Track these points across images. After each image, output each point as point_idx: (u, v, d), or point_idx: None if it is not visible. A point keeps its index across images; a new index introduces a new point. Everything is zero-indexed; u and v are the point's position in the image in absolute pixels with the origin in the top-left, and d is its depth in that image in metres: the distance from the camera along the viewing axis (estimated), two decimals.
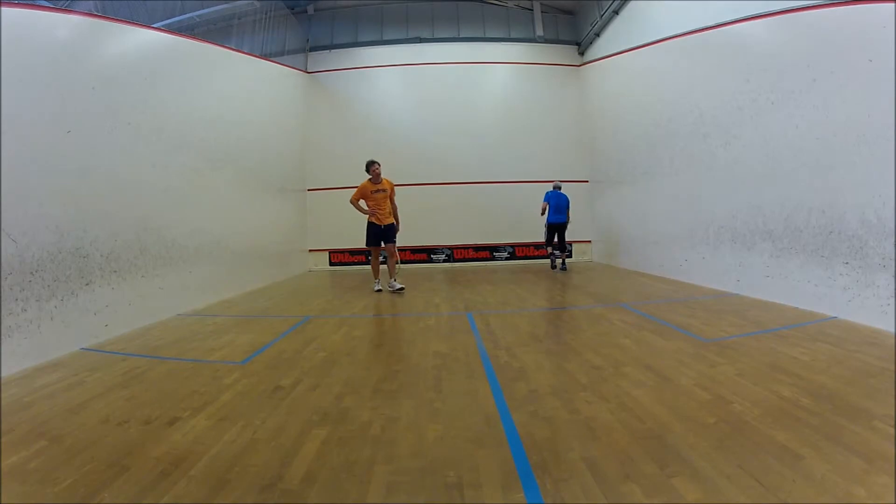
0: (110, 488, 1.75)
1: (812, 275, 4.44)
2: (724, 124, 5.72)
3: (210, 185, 6.48)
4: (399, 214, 6.91)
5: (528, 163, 10.65)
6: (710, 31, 5.94)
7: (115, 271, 4.46)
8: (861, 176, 3.88)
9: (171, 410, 2.50)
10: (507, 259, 10.82)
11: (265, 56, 8.88)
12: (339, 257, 10.87)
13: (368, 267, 11.66)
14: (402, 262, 11.10)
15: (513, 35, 11.16)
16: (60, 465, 1.93)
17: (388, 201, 6.71)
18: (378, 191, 6.59)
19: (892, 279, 3.59)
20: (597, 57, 10.09)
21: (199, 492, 1.73)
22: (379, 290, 6.70)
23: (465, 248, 10.85)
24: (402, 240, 11.45)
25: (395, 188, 6.82)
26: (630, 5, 8.52)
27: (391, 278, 6.72)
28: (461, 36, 11.10)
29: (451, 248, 10.83)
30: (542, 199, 8.68)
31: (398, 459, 1.95)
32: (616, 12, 8.99)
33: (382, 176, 6.66)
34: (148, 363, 3.44)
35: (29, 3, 4.17)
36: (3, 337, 3.25)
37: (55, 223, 3.82)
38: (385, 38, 11.07)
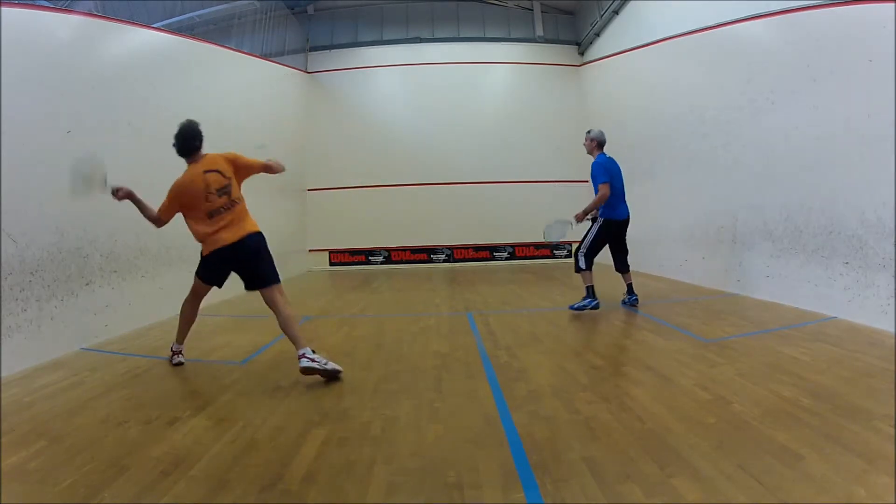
0: (110, 488, 1.74)
1: (812, 275, 4.44)
2: (724, 124, 5.72)
3: None
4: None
5: (527, 163, 10.65)
6: (710, 31, 5.93)
7: (115, 271, 4.46)
8: (861, 176, 3.88)
9: (171, 410, 2.50)
10: (507, 259, 10.82)
11: (265, 56, 8.88)
12: (339, 257, 10.87)
13: (369, 267, 11.70)
14: (402, 263, 11.03)
15: (513, 35, 11.17)
16: (60, 465, 1.93)
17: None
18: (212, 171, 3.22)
19: (892, 279, 3.59)
20: (597, 57, 10.09)
21: (199, 492, 1.73)
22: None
23: (465, 248, 10.85)
24: (402, 239, 11.71)
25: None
26: (630, 5, 8.52)
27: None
28: (461, 36, 11.10)
29: (451, 248, 10.83)
30: (600, 177, 4.79)
31: (398, 459, 1.95)
32: (616, 12, 8.99)
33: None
34: (148, 363, 3.44)
35: (29, 3, 4.17)
36: (3, 337, 3.24)
37: (55, 223, 3.82)
38: (385, 38, 11.08)
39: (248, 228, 3.22)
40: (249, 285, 3.31)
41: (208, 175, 3.14)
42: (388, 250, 10.85)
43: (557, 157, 10.60)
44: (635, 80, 8.28)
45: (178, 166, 5.62)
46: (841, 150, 4.06)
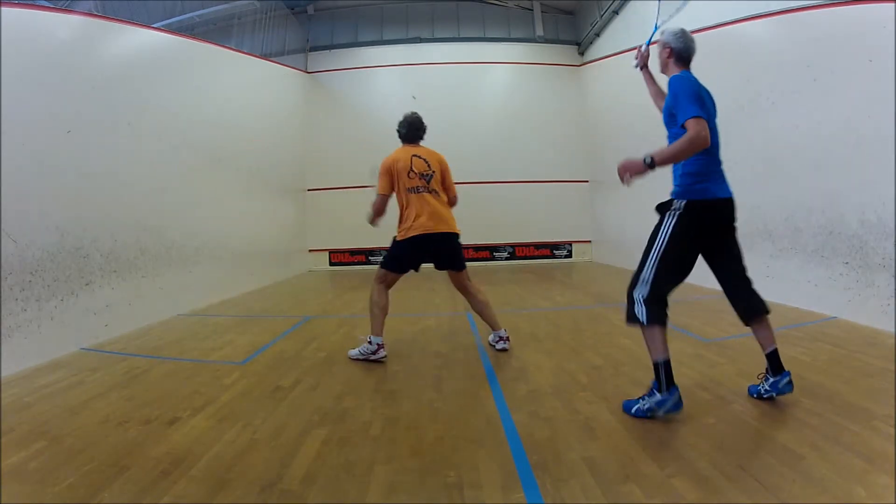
0: (110, 488, 1.74)
1: (812, 275, 4.44)
2: (724, 124, 5.69)
3: (210, 185, 6.48)
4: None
5: (528, 163, 10.64)
6: (710, 31, 5.93)
7: (115, 271, 4.46)
8: (861, 176, 3.88)
9: (171, 410, 2.50)
10: (507, 259, 10.82)
11: (265, 56, 8.88)
12: (339, 257, 10.88)
13: (369, 267, 11.58)
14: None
15: (513, 35, 11.17)
16: (60, 465, 1.93)
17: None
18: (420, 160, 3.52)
19: (892, 279, 3.59)
20: (597, 57, 10.09)
21: (199, 492, 1.73)
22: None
23: (466, 248, 10.80)
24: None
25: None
26: (630, 5, 8.52)
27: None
28: (461, 36, 11.10)
29: None
30: (691, 110, 2.34)
31: (398, 459, 1.95)
32: (616, 12, 8.99)
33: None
34: (148, 363, 3.44)
35: (29, 3, 4.17)
36: (3, 337, 3.24)
37: (55, 223, 3.82)
38: (385, 38, 11.08)
39: (449, 227, 3.50)
40: (442, 266, 3.59)
41: (415, 158, 3.48)
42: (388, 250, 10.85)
43: (557, 157, 10.60)
44: (635, 80, 8.22)
45: (176, 166, 5.64)
46: (841, 150, 4.06)
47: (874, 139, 3.70)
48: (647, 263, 2.38)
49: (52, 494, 1.72)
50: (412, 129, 3.64)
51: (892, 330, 3.46)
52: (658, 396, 2.20)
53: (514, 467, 1.84)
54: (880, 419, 2.08)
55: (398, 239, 3.45)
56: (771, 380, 2.38)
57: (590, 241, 10.64)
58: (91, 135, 4.29)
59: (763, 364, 2.40)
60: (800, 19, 4.52)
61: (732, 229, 2.59)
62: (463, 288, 3.57)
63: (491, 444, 2.05)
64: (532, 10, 11.14)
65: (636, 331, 2.86)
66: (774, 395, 2.39)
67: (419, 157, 3.51)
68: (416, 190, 3.40)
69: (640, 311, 2.30)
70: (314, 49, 10.97)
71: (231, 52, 7.68)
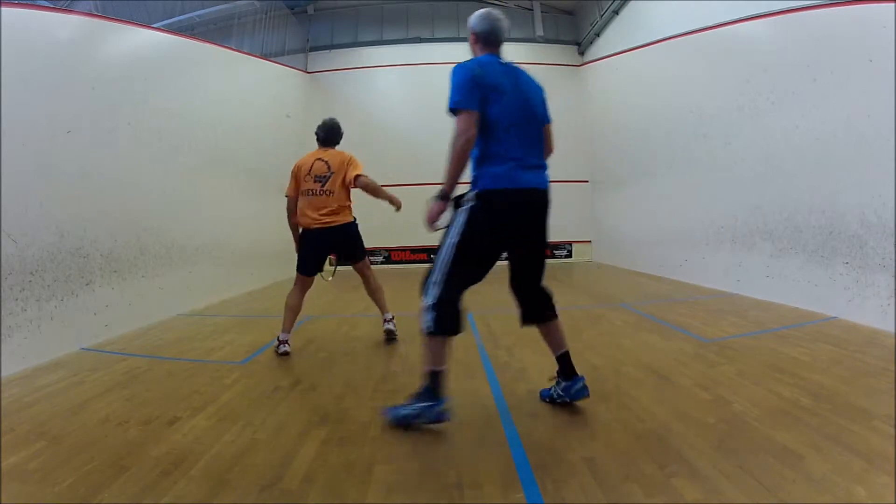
0: (110, 488, 1.74)
1: (812, 275, 4.44)
2: (724, 124, 5.72)
3: (210, 185, 6.48)
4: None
5: None
6: (710, 31, 5.94)
7: (115, 271, 4.46)
8: (861, 176, 3.88)
9: (171, 410, 2.50)
10: (506, 259, 10.82)
11: (265, 56, 8.88)
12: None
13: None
14: (403, 263, 10.92)
15: (513, 35, 11.14)
16: (60, 465, 1.93)
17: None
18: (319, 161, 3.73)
19: (892, 279, 3.59)
20: (597, 57, 10.10)
21: (199, 492, 1.73)
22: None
23: None
24: (402, 239, 11.61)
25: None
26: (630, 5, 8.53)
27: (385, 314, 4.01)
28: (461, 36, 11.07)
29: None
30: (453, 100, 2.12)
31: (398, 459, 1.95)
32: (616, 12, 9.00)
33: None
34: (148, 363, 3.44)
35: (29, 3, 4.17)
36: (3, 337, 3.24)
37: (55, 223, 3.82)
38: (385, 38, 11.09)
39: (337, 220, 3.74)
40: (344, 259, 4.03)
41: (317, 161, 3.74)
42: (388, 250, 10.84)
43: (557, 156, 10.55)
44: (635, 81, 8.28)
45: (176, 166, 5.64)
46: (841, 150, 4.07)
47: (874, 139, 3.70)
48: (437, 265, 2.23)
49: (52, 494, 1.72)
50: (328, 133, 3.94)
51: (892, 330, 3.46)
52: (426, 403, 2.13)
53: (514, 467, 1.84)
54: (880, 419, 2.08)
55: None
56: (563, 384, 2.32)
57: (590, 241, 10.63)
58: (91, 135, 4.29)
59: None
60: (800, 19, 4.52)
61: (539, 227, 2.34)
62: (361, 273, 3.97)
63: (491, 444, 2.05)
64: (532, 10, 11.15)
65: (636, 331, 2.86)
66: (568, 400, 2.31)
67: (322, 160, 3.75)
68: (308, 193, 3.69)
69: (427, 318, 2.14)
70: (314, 49, 10.98)
71: (231, 52, 7.68)
